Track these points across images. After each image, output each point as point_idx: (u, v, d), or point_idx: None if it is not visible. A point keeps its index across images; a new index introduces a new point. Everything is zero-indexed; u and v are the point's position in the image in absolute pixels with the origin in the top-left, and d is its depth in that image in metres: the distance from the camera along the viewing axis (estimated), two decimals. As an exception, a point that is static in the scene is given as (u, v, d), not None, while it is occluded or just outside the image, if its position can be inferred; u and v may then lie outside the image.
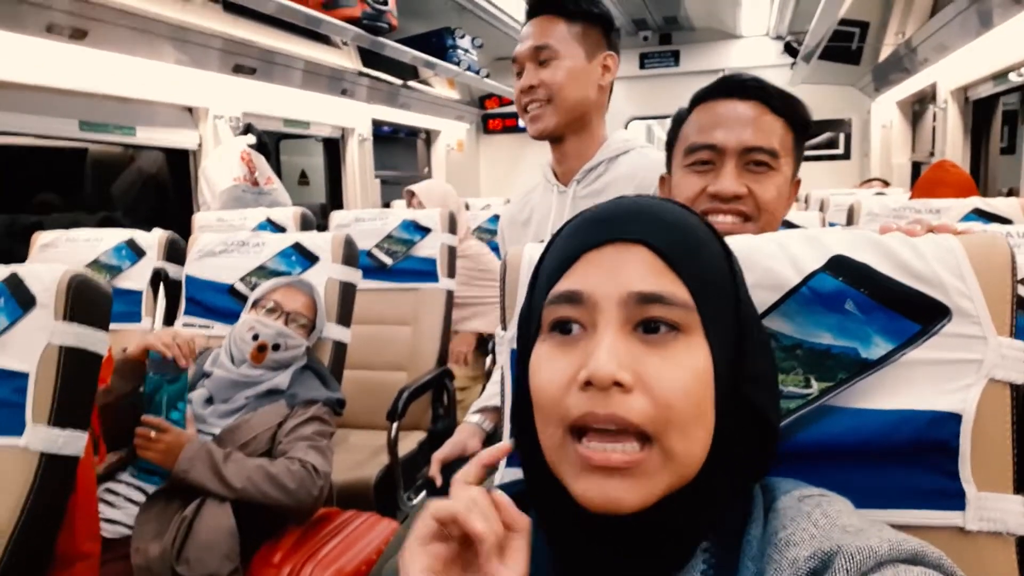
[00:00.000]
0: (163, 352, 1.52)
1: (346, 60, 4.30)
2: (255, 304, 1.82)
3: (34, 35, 2.40)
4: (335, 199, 4.89)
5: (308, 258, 2.08)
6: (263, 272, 2.10)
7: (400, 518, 2.04)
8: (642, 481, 0.55)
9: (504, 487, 0.63)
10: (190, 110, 3.42)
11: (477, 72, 5.20)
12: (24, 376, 1.27)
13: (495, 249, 3.24)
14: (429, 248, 2.72)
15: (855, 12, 4.86)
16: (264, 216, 2.71)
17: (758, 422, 0.61)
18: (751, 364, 0.61)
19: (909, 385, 0.72)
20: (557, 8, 1.52)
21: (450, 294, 2.72)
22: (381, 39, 3.87)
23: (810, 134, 1.16)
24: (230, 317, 1.99)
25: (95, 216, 3.85)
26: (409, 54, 4.26)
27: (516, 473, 0.68)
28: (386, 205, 4.95)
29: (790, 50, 6.00)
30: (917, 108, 5.31)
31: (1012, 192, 3.85)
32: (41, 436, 1.25)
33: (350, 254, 2.09)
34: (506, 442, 0.67)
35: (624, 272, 0.58)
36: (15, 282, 1.32)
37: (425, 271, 2.71)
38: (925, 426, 0.71)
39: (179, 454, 1.50)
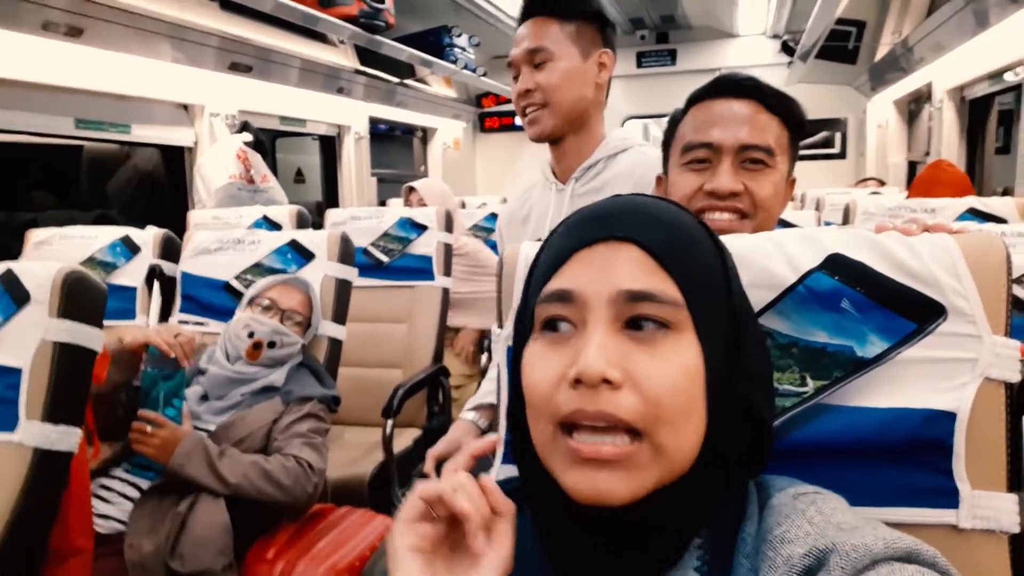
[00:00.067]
0: (165, 351, 1.52)
1: (343, 58, 4.30)
2: (251, 301, 1.82)
3: (30, 32, 2.39)
4: (331, 197, 4.89)
5: (304, 255, 2.08)
6: (259, 269, 2.10)
7: (394, 515, 2.04)
8: (632, 474, 0.56)
9: (499, 483, 0.63)
10: (186, 108, 3.41)
11: (474, 71, 5.20)
12: (18, 372, 1.27)
13: (493, 247, 3.24)
14: (425, 246, 2.72)
15: (852, 11, 4.87)
16: (260, 214, 2.71)
17: (752, 419, 0.61)
18: (745, 361, 0.61)
19: (904, 383, 0.72)
20: (550, 9, 1.51)
21: (446, 292, 2.72)
22: (378, 37, 3.87)
23: (806, 133, 1.17)
24: (225, 314, 1.99)
25: (90, 213, 3.85)
26: (406, 52, 4.26)
27: (512, 470, 0.68)
28: (382, 203, 4.94)
29: (787, 49, 6.01)
30: (913, 107, 5.33)
31: (1007, 191, 3.86)
32: (35, 432, 1.25)
33: (346, 252, 2.09)
34: (495, 435, 0.68)
35: (614, 270, 0.59)
36: (9, 278, 1.32)
37: (421, 269, 2.71)
38: (920, 424, 0.72)
39: (175, 449, 1.49)
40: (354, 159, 4.83)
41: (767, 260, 0.76)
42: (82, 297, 1.31)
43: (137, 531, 1.46)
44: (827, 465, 0.73)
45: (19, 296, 1.30)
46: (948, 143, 4.06)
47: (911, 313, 0.72)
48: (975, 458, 0.72)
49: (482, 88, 6.29)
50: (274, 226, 2.65)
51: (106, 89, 2.90)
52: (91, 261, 2.45)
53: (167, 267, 2.44)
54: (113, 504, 1.56)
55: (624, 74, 6.61)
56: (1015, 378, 0.72)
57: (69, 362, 1.29)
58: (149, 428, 1.50)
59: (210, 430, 1.63)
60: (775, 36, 6.33)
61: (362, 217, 2.80)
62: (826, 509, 0.57)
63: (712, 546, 0.59)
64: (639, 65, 6.78)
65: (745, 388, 0.60)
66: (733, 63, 6.45)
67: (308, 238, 2.10)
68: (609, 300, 0.58)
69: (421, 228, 2.72)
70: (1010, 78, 3.33)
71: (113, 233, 2.50)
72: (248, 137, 3.33)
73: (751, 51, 6.52)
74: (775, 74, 5.75)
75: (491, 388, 1.52)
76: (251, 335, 1.72)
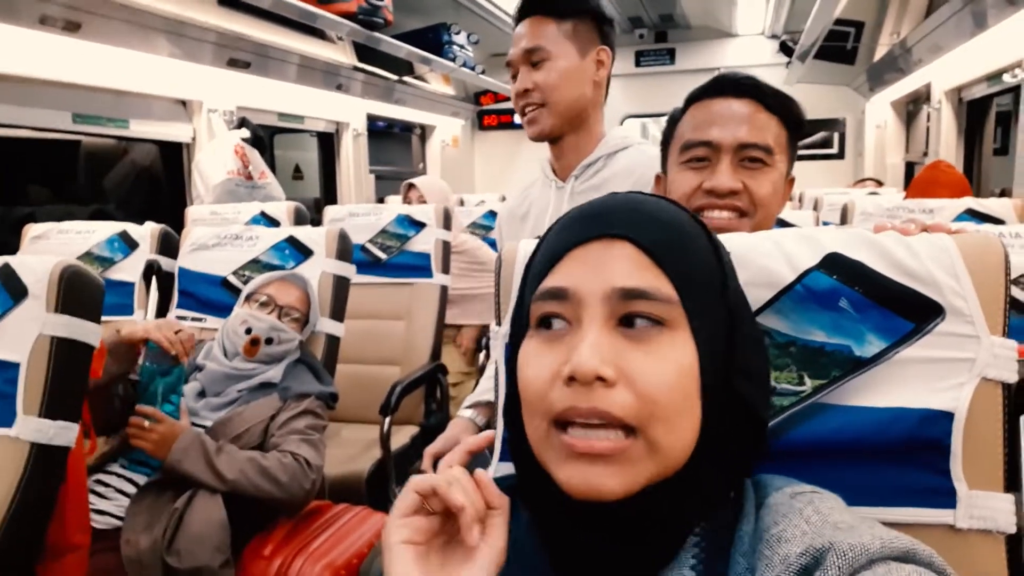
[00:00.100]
0: (165, 347, 1.52)
1: (341, 55, 4.29)
2: (248, 298, 1.82)
3: (27, 27, 2.39)
4: (329, 194, 4.88)
5: (302, 252, 2.08)
6: (256, 265, 2.09)
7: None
8: (626, 468, 0.56)
9: (496, 480, 0.63)
10: (184, 103, 3.40)
11: (472, 68, 5.19)
12: (15, 366, 1.27)
13: (492, 245, 3.25)
14: (423, 243, 2.72)
15: (850, 12, 4.87)
16: (258, 210, 2.70)
17: (748, 417, 0.61)
18: (741, 359, 0.61)
19: (902, 383, 0.72)
20: (546, 8, 1.51)
21: (444, 289, 2.72)
22: (376, 34, 3.87)
23: (804, 133, 1.17)
24: (223, 310, 1.98)
25: (88, 208, 3.84)
26: (404, 49, 4.26)
27: (510, 468, 0.68)
28: (380, 200, 4.94)
29: (785, 49, 6.01)
30: (911, 108, 5.33)
31: (1005, 193, 3.87)
32: (32, 427, 1.25)
33: (344, 248, 2.09)
34: (490, 431, 0.68)
35: (608, 268, 0.59)
36: (7, 273, 1.32)
37: (419, 266, 2.71)
38: (917, 424, 0.72)
39: (172, 445, 1.49)
40: (352, 156, 4.83)
41: (765, 259, 0.76)
42: (80, 292, 1.31)
43: (134, 527, 1.46)
44: (825, 464, 0.73)
45: (16, 290, 1.30)
46: (946, 144, 4.07)
47: (909, 313, 0.72)
48: (972, 458, 0.72)
49: (481, 86, 6.29)
50: (272, 222, 2.64)
51: (104, 84, 2.89)
52: (88, 256, 2.44)
53: (165, 263, 2.44)
54: (110, 500, 1.55)
55: (623, 73, 6.61)
56: (1012, 378, 0.72)
57: (66, 357, 1.28)
58: (147, 423, 1.50)
59: (207, 426, 1.63)
60: (774, 36, 6.33)
61: (360, 214, 2.80)
62: (823, 508, 0.57)
63: (708, 544, 0.59)
64: (638, 64, 6.78)
65: (741, 386, 0.60)
66: (732, 63, 6.46)
67: (306, 234, 2.10)
68: (603, 298, 0.58)
69: (419, 225, 2.72)
70: (1008, 79, 3.33)
71: (111, 228, 2.49)
72: (246, 133, 3.33)
73: (750, 51, 6.52)
74: (774, 74, 5.76)
75: (489, 386, 1.52)
76: (248, 331, 1.72)
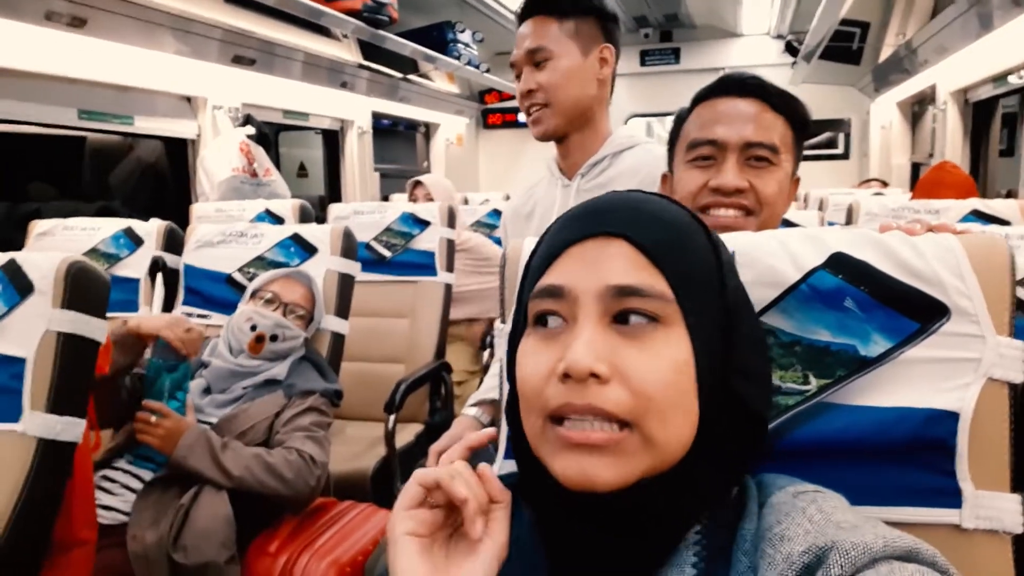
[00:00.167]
0: (177, 347, 1.52)
1: (346, 53, 4.30)
2: (253, 295, 1.82)
3: (33, 23, 2.39)
4: (334, 192, 4.89)
5: (307, 250, 2.08)
6: (261, 263, 2.10)
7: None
8: (620, 460, 0.56)
9: (500, 478, 0.64)
10: (189, 100, 3.41)
11: (477, 67, 5.19)
12: (22, 362, 1.27)
13: (497, 243, 3.25)
14: (428, 241, 2.72)
15: (856, 12, 4.86)
16: (263, 207, 2.71)
17: (747, 415, 0.61)
18: (740, 357, 0.61)
19: (907, 383, 0.72)
20: (548, 8, 1.51)
21: (448, 287, 2.72)
22: (381, 32, 3.87)
23: (810, 133, 1.17)
24: (228, 307, 1.99)
25: (93, 205, 3.84)
26: (409, 47, 4.26)
27: (514, 466, 0.68)
28: (385, 198, 4.94)
29: (791, 49, 6.01)
30: (917, 109, 5.32)
31: (1011, 194, 3.86)
32: (39, 422, 1.25)
33: (349, 246, 2.09)
34: (492, 429, 0.69)
35: (604, 266, 0.59)
36: (13, 269, 1.32)
37: (424, 264, 2.71)
38: (923, 424, 0.72)
39: (178, 440, 1.50)
40: (357, 154, 4.83)
41: (771, 258, 0.77)
42: (86, 288, 1.31)
43: (140, 522, 1.47)
44: (830, 464, 0.74)
45: (23, 286, 1.30)
46: (952, 145, 4.06)
47: (914, 313, 0.72)
48: (978, 458, 0.72)
49: (485, 84, 6.29)
50: (277, 220, 2.65)
51: (109, 80, 2.90)
52: (94, 252, 2.45)
53: (170, 259, 2.44)
54: (116, 495, 1.56)
55: (627, 72, 6.61)
56: (1018, 378, 0.72)
57: (73, 352, 1.29)
58: (153, 418, 1.50)
59: (213, 423, 1.63)
60: (779, 36, 6.32)
61: (365, 212, 2.80)
62: (826, 507, 0.57)
63: (710, 543, 0.59)
64: (643, 63, 6.78)
65: (740, 384, 0.60)
66: (737, 63, 6.45)
67: (311, 232, 2.10)
68: (598, 295, 0.58)
69: (424, 224, 2.72)
70: (1014, 81, 3.33)
71: (116, 225, 2.50)
72: (251, 130, 3.34)
73: (755, 51, 6.52)
74: (779, 74, 5.75)
75: (493, 384, 1.53)
76: (253, 328, 1.73)
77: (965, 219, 2.01)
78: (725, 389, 0.60)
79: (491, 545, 0.59)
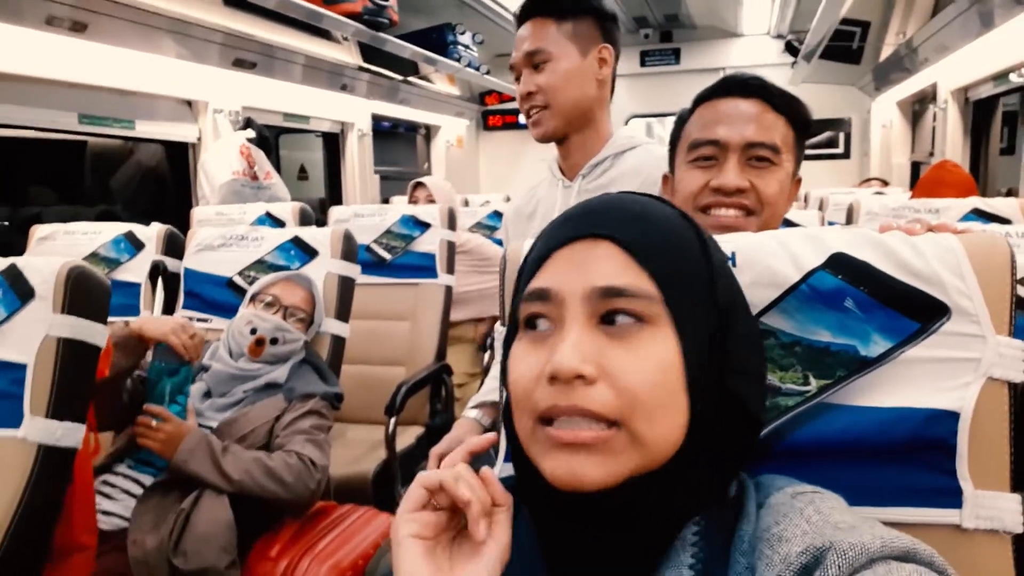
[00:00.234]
0: (181, 352, 1.53)
1: (346, 55, 4.30)
2: (253, 298, 1.82)
3: (34, 27, 2.40)
4: (334, 194, 4.89)
5: (307, 252, 2.08)
6: (262, 266, 2.10)
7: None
8: (608, 459, 0.57)
9: (501, 480, 0.64)
10: (189, 104, 3.41)
11: (477, 68, 5.19)
12: (22, 367, 1.27)
13: (498, 245, 3.25)
14: (428, 244, 2.72)
15: (856, 12, 4.86)
16: (263, 210, 2.71)
17: (741, 413, 0.61)
18: (733, 355, 0.61)
19: (908, 383, 0.72)
20: (546, 10, 1.51)
21: (449, 290, 2.72)
22: (382, 34, 3.87)
23: (810, 133, 1.17)
24: (228, 311, 1.99)
25: (94, 209, 3.85)
26: (409, 50, 4.26)
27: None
28: (385, 201, 4.94)
29: (791, 49, 6.00)
30: (917, 108, 5.32)
31: (1011, 192, 3.86)
32: (39, 428, 1.25)
33: (349, 249, 2.09)
34: (492, 434, 0.69)
35: (590, 268, 0.60)
36: (14, 274, 1.32)
37: (424, 266, 2.71)
38: (923, 424, 0.72)
39: (179, 445, 1.50)
40: (357, 156, 4.84)
41: (771, 258, 0.77)
42: (86, 293, 1.31)
43: (140, 527, 1.47)
44: (830, 464, 0.73)
45: (23, 291, 1.30)
46: (952, 144, 4.06)
47: (915, 312, 0.72)
48: (978, 458, 0.72)
49: (485, 86, 6.29)
50: (277, 223, 2.65)
51: (110, 85, 2.90)
52: (95, 257, 2.45)
53: (171, 263, 2.44)
54: (116, 500, 1.56)
55: (628, 73, 6.61)
56: (1018, 378, 0.72)
57: (73, 358, 1.29)
58: (154, 422, 1.50)
59: (213, 427, 1.63)
60: (779, 36, 6.32)
61: (365, 214, 2.80)
62: (824, 508, 0.57)
63: (708, 543, 0.59)
64: (643, 64, 6.78)
65: (732, 382, 0.61)
66: (737, 63, 6.45)
67: (311, 235, 2.10)
68: (584, 297, 0.59)
69: (424, 226, 2.72)
70: (1015, 79, 3.33)
71: (117, 229, 2.50)
72: (251, 133, 3.34)
73: (755, 51, 6.51)
74: (779, 74, 5.75)
75: (494, 386, 1.53)
76: (254, 331, 1.73)
77: (966, 218, 2.01)
78: (718, 387, 0.60)
79: (494, 547, 0.59)
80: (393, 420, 2.19)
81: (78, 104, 2.83)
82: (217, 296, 2.14)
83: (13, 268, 1.32)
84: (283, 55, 3.63)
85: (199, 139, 3.43)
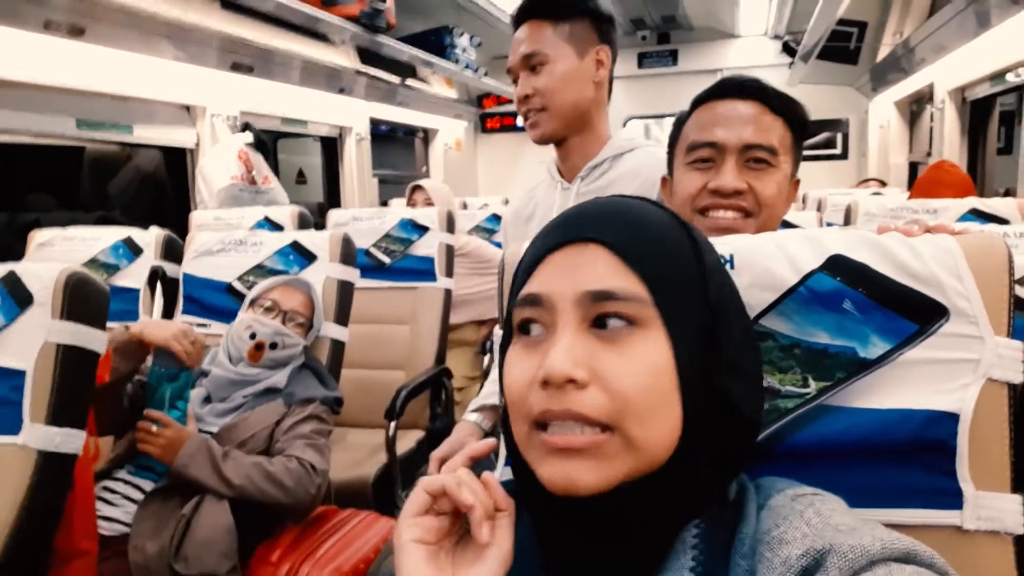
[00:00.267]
0: (183, 359, 1.53)
1: (344, 58, 4.30)
2: (252, 303, 1.82)
3: (31, 32, 2.39)
4: (333, 198, 4.89)
5: (306, 257, 2.08)
6: (261, 271, 2.10)
7: (398, 516, 2.04)
8: (602, 463, 0.57)
9: (502, 484, 0.64)
10: (188, 108, 3.41)
11: (475, 71, 5.20)
12: (21, 374, 1.27)
13: (497, 247, 3.25)
14: (427, 247, 2.72)
15: (853, 12, 4.87)
16: (262, 215, 2.71)
17: (736, 414, 0.61)
18: (728, 354, 0.61)
19: (907, 384, 0.72)
20: (542, 12, 1.51)
21: (448, 293, 2.72)
22: (379, 38, 3.87)
23: (808, 134, 1.17)
24: (228, 316, 1.99)
25: (92, 215, 3.85)
26: (407, 53, 4.26)
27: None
28: (384, 204, 4.94)
29: (788, 50, 6.01)
30: (915, 108, 5.32)
31: (1009, 192, 3.86)
32: (39, 434, 1.25)
33: (348, 253, 2.09)
34: (492, 440, 0.69)
35: (580, 272, 0.60)
36: (12, 280, 1.32)
37: (423, 270, 2.71)
38: (922, 425, 0.72)
39: (179, 450, 1.50)
40: (355, 160, 4.83)
41: (769, 261, 0.77)
42: (85, 299, 1.31)
43: (141, 533, 1.47)
44: (830, 466, 0.74)
45: (22, 298, 1.31)
46: (950, 144, 4.06)
47: (913, 314, 0.72)
48: (978, 459, 0.72)
49: (483, 88, 6.29)
50: (276, 227, 2.65)
51: (108, 90, 2.90)
52: (93, 262, 2.45)
53: (169, 268, 2.44)
54: (117, 506, 1.56)
55: (625, 75, 6.61)
56: (1017, 379, 0.72)
57: (72, 364, 1.29)
58: (154, 428, 1.50)
59: (213, 432, 1.63)
60: (776, 37, 6.33)
61: (364, 218, 2.80)
62: (824, 510, 0.57)
63: (708, 546, 0.59)
64: (640, 65, 6.78)
65: (727, 382, 0.61)
66: (734, 64, 6.45)
67: (310, 239, 2.10)
68: (575, 302, 0.59)
69: (423, 229, 2.72)
70: (1012, 79, 3.33)
71: (115, 234, 2.50)
72: (249, 138, 3.34)
73: (752, 52, 6.52)
74: (776, 75, 5.76)
75: (494, 389, 1.53)
76: (253, 336, 1.72)
77: (963, 218, 2.01)
78: (712, 389, 0.60)
79: (497, 552, 0.59)
80: (393, 424, 2.18)
81: (76, 109, 2.83)
82: (216, 301, 2.13)
83: (12, 274, 1.32)
84: (281, 59, 3.63)
85: (197, 144, 3.43)
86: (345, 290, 2.06)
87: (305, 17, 3.20)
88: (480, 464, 0.66)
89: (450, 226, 2.75)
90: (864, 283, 0.73)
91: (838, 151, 6.43)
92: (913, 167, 5.28)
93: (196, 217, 2.84)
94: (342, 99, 4.46)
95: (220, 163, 3.21)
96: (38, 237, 2.53)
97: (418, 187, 3.33)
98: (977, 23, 3.22)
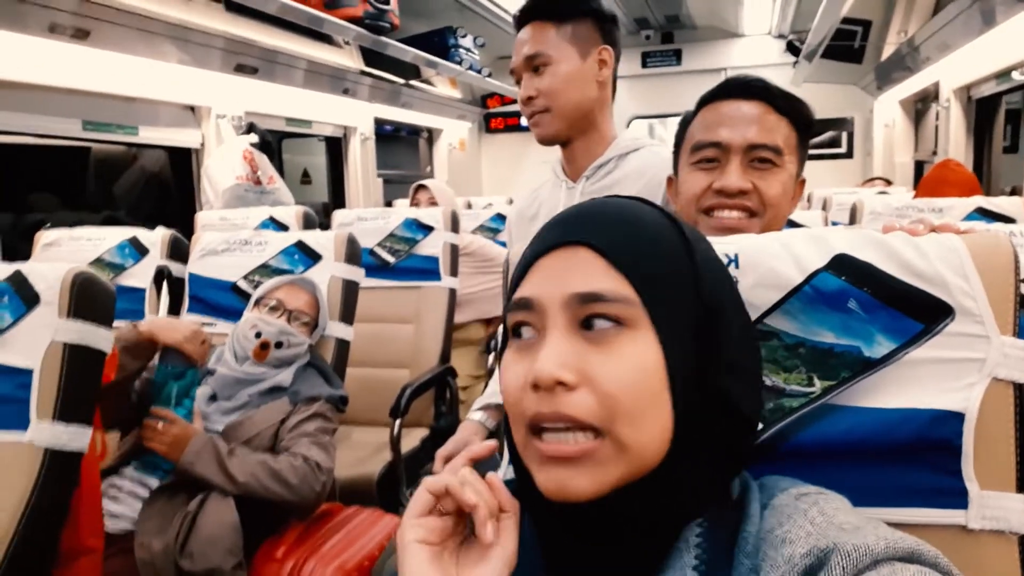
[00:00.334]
0: (193, 360, 1.54)
1: (348, 59, 4.30)
2: (258, 302, 1.83)
3: (37, 35, 2.40)
4: (337, 198, 4.90)
5: (311, 256, 2.09)
6: (266, 270, 2.10)
7: (402, 514, 2.05)
8: (595, 470, 0.57)
9: (506, 483, 0.64)
10: (193, 109, 3.42)
11: (479, 71, 5.20)
12: (28, 372, 1.28)
13: (502, 246, 3.26)
14: (431, 247, 2.72)
15: (858, 11, 4.85)
16: (267, 215, 2.72)
17: (733, 413, 0.61)
18: (725, 352, 0.61)
19: (912, 384, 0.72)
20: (544, 13, 1.51)
21: (452, 292, 2.72)
22: (383, 38, 3.87)
23: (813, 133, 1.17)
24: (233, 315, 1.99)
25: (98, 215, 3.86)
26: (411, 53, 4.26)
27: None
28: (388, 204, 4.95)
29: (792, 49, 5.99)
30: (920, 107, 5.31)
31: (1015, 191, 3.85)
32: (46, 432, 1.26)
33: (353, 252, 2.09)
34: (493, 442, 0.70)
35: (569, 275, 0.60)
36: (19, 280, 1.33)
37: (427, 269, 2.72)
38: (928, 425, 0.72)
39: (185, 447, 1.51)
40: (360, 160, 4.84)
41: (774, 260, 0.76)
42: (91, 298, 1.32)
43: (147, 530, 1.47)
44: (835, 466, 0.73)
45: (29, 297, 1.31)
46: (955, 142, 4.05)
47: (918, 313, 0.72)
48: (984, 458, 0.72)
49: (487, 89, 6.29)
50: (281, 227, 2.65)
51: (113, 91, 2.91)
52: (99, 262, 2.46)
53: (175, 268, 2.45)
54: (123, 503, 1.56)
55: (629, 74, 6.60)
56: (1023, 378, 0.72)
57: (79, 363, 1.29)
58: (160, 425, 1.51)
59: (219, 430, 1.64)
60: (780, 36, 6.30)
61: (368, 218, 2.80)
62: (828, 509, 0.57)
63: (711, 545, 0.59)
64: (644, 65, 6.77)
65: (726, 382, 0.60)
66: (738, 63, 6.44)
67: (315, 239, 2.11)
68: (563, 304, 0.59)
69: (427, 229, 2.73)
70: (1017, 77, 3.32)
71: (121, 234, 2.51)
72: (254, 138, 3.34)
73: (756, 51, 6.50)
74: (781, 74, 5.74)
75: (498, 388, 1.53)
76: (258, 335, 1.73)
77: (969, 217, 2.01)
78: (707, 387, 0.60)
79: (501, 553, 0.59)
80: (398, 422, 2.19)
81: (82, 111, 2.84)
82: (221, 300, 2.14)
83: (19, 274, 1.33)
84: (285, 60, 3.64)
85: (202, 144, 3.44)
86: (350, 289, 2.07)
87: (309, 18, 3.20)
88: (484, 464, 0.67)
89: (454, 226, 2.76)
90: (869, 282, 0.73)
91: (843, 150, 6.41)
92: (919, 166, 5.26)
93: (201, 217, 2.85)
94: (346, 99, 4.46)
95: (225, 163, 3.21)
96: (44, 237, 2.55)
97: (422, 187, 3.34)
98: (982, 21, 3.21)
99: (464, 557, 0.60)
